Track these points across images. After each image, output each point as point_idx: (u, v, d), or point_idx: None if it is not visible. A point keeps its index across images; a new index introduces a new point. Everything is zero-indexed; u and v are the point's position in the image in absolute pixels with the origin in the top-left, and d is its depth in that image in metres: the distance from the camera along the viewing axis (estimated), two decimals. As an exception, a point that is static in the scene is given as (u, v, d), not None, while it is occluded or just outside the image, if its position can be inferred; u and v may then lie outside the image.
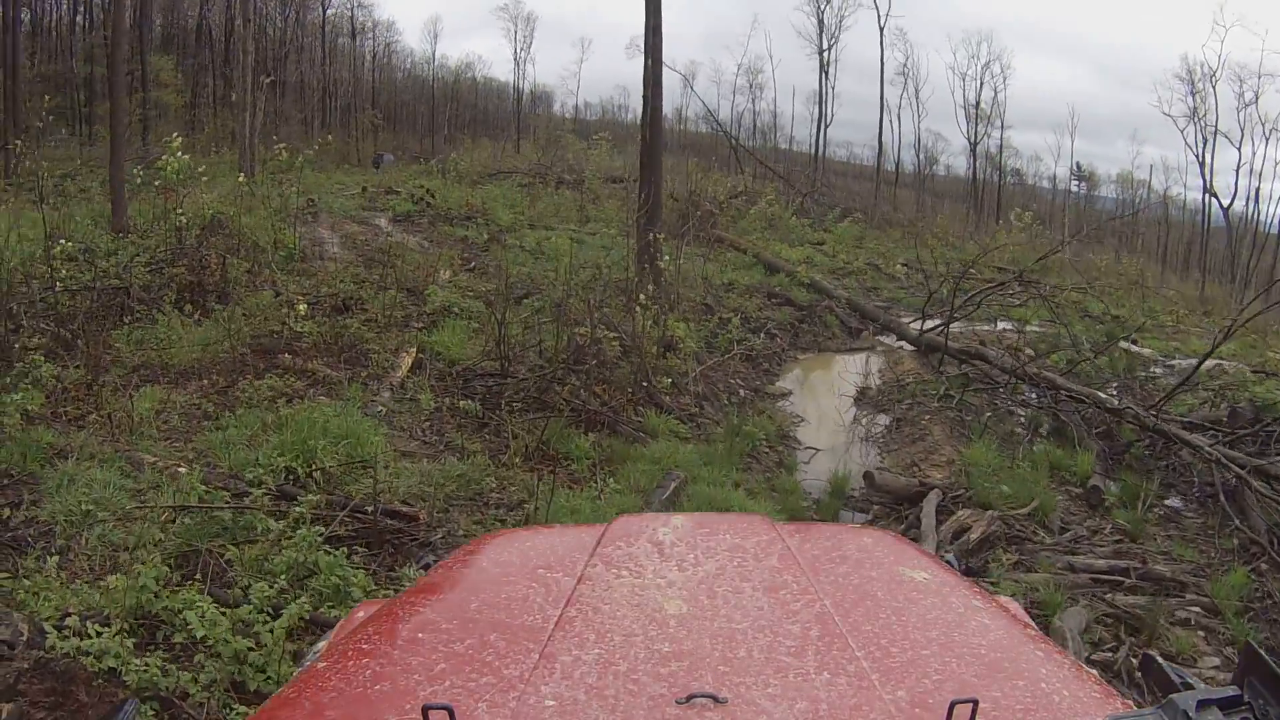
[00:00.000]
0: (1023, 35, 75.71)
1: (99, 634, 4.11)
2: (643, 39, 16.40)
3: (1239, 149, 38.86)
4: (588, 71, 67.03)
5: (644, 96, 16.33)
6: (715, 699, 1.64)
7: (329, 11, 46.77)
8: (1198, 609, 7.45)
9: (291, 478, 6.81)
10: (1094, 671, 1.99)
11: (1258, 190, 39.60)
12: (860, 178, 45.44)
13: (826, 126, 43.66)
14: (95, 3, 37.27)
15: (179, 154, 11.96)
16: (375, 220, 20.12)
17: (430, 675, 1.77)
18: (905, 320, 16.89)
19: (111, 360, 9.02)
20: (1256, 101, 38.00)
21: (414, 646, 1.93)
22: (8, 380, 7.57)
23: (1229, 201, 39.55)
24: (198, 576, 5.06)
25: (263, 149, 21.27)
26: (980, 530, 8.24)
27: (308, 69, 45.05)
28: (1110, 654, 6.59)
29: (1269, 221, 40.11)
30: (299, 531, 5.32)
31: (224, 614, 4.33)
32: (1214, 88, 38.81)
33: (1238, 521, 8.96)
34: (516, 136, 46.96)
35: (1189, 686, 1.66)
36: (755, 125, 50.78)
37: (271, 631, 4.23)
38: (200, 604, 4.38)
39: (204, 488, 5.90)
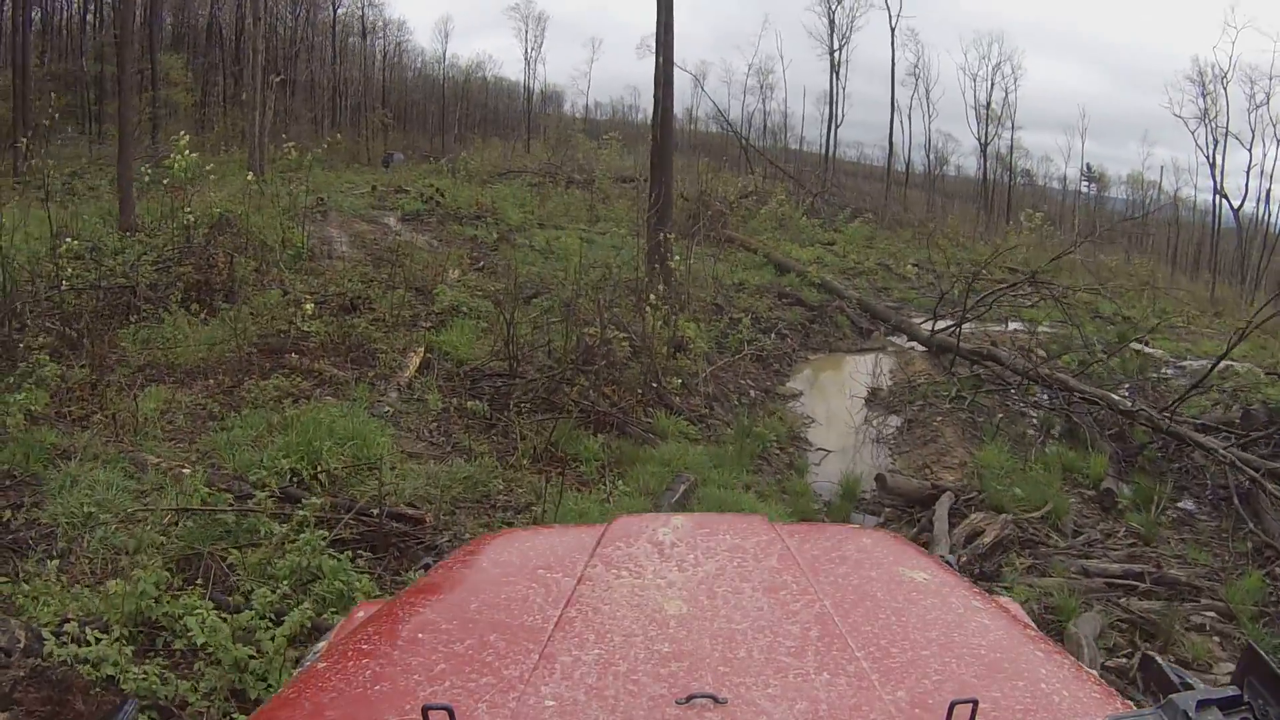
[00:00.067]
0: (1033, 36, 75.15)
1: (98, 640, 4.05)
2: (653, 38, 16.32)
3: (1250, 150, 38.63)
4: (598, 71, 66.78)
5: (655, 96, 16.24)
6: (715, 699, 1.63)
7: (340, 11, 46.71)
8: (1212, 614, 7.37)
9: (296, 480, 6.74)
10: (1094, 672, 1.96)
11: (1269, 192, 39.37)
12: (871, 178, 45.24)
13: (837, 127, 43.43)
14: (106, 1, 37.29)
15: (187, 152, 11.90)
16: (384, 219, 20.04)
17: (430, 675, 1.77)
18: (916, 321, 16.76)
19: (117, 360, 8.97)
20: (1268, 103, 37.73)
21: (414, 647, 1.93)
22: (11, 380, 7.51)
23: (1239, 203, 39.36)
24: (199, 581, 5.00)
25: (272, 148, 21.21)
26: (994, 534, 8.14)
27: (318, 68, 44.98)
28: (1125, 660, 6.51)
29: (1279, 223, 39.93)
30: (303, 535, 5.25)
31: (225, 620, 4.26)
32: (1225, 89, 38.52)
33: (1251, 525, 8.94)
34: (527, 136, 46.80)
35: (1189, 686, 1.70)
36: (766, 125, 50.50)
37: (273, 639, 4.16)
38: (201, 610, 4.31)
39: (207, 490, 5.84)
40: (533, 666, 1.77)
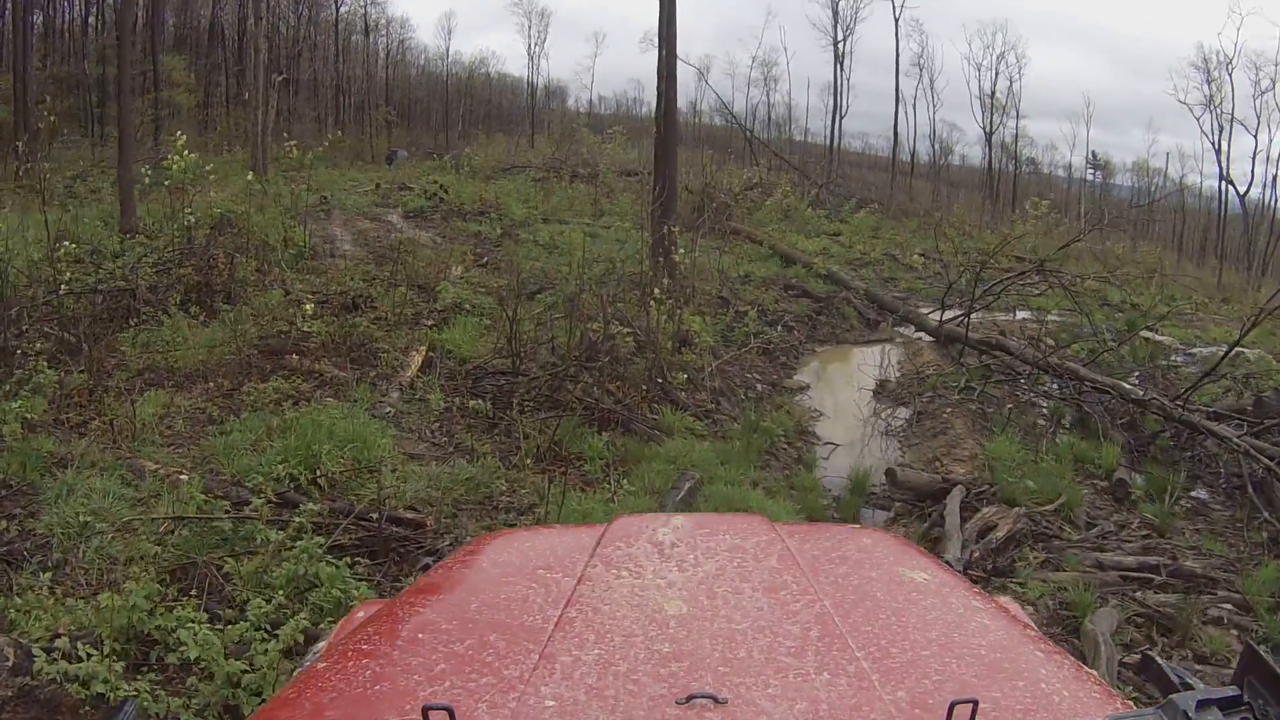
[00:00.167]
0: (1037, 25, 74.58)
1: (89, 656, 3.95)
2: (656, 32, 16.22)
3: (1255, 136, 38.28)
4: (602, 66, 66.57)
5: (658, 89, 16.14)
6: (715, 699, 1.64)
7: (342, 9, 46.60)
8: (1229, 606, 7.27)
9: (294, 485, 6.64)
10: (1094, 672, 1.97)
11: (1274, 177, 39.05)
12: (876, 168, 44.99)
13: (841, 118, 43.18)
14: (107, 4, 37.19)
15: (185, 153, 11.80)
16: (388, 216, 19.93)
17: (430, 676, 1.78)
18: (924, 311, 16.58)
19: (116, 364, 8.89)
20: (1274, 88, 37.36)
21: (414, 647, 1.94)
22: (8, 387, 7.44)
23: (1245, 189, 39.12)
24: (194, 591, 4.90)
25: (275, 147, 21.12)
26: (1006, 528, 8.01)
27: (321, 66, 44.88)
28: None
29: (1285, 208, 39.63)
30: (300, 542, 5.15)
31: (219, 633, 4.16)
32: (1230, 75, 38.19)
33: (1267, 514, 8.86)
34: (530, 131, 46.66)
35: (1189, 686, 1.72)
36: (770, 117, 50.15)
37: (266, 653, 4.05)
38: (195, 622, 4.21)
39: (204, 497, 5.74)
40: (533, 666, 1.78)
